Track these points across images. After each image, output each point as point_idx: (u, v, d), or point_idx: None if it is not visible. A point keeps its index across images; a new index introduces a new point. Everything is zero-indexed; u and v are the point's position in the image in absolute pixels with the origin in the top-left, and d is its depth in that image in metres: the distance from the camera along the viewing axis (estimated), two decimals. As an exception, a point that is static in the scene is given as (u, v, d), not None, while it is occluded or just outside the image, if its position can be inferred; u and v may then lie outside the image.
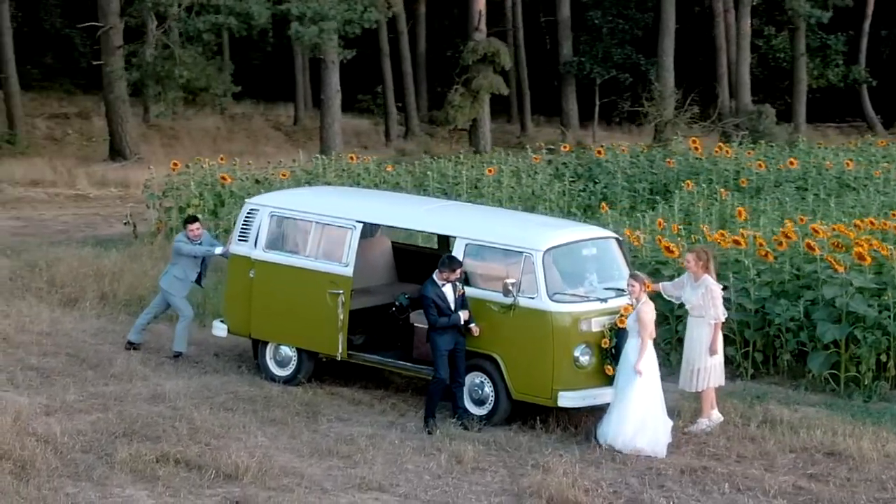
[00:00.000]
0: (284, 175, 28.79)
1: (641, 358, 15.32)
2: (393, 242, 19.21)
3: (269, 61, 62.93)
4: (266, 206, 18.30)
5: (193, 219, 19.62)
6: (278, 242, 18.03)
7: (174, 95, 39.89)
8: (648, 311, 15.47)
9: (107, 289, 23.06)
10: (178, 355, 19.19)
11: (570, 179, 31.88)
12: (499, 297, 16.01)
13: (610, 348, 15.94)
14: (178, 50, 38.41)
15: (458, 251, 16.44)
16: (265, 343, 18.26)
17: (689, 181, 29.22)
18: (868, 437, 15.98)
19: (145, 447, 15.32)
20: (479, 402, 16.49)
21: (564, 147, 35.11)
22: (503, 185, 29.54)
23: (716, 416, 16.30)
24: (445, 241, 17.78)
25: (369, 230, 18.26)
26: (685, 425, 16.33)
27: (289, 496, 13.97)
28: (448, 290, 15.98)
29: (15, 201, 37.40)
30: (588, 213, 28.09)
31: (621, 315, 15.85)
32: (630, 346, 15.52)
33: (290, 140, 54.25)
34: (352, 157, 32.71)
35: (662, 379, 16.26)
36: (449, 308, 15.95)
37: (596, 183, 32.07)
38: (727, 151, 33.63)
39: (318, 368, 18.28)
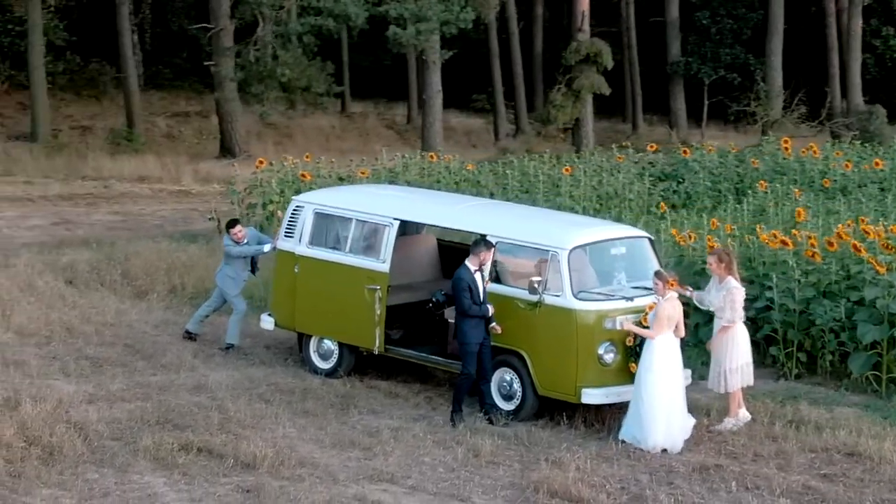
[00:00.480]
0: (364, 173, 28.85)
1: (658, 345, 15.29)
2: (439, 240, 19.26)
3: (388, 61, 63.17)
4: (310, 203, 18.49)
5: (234, 222, 19.89)
6: (320, 239, 18.19)
7: (275, 95, 40.27)
8: (668, 308, 15.35)
9: (177, 282, 23.36)
10: (229, 347, 19.46)
11: (658, 179, 31.69)
12: (526, 294, 16.00)
13: (634, 346, 15.82)
14: (280, 51, 38.71)
15: (508, 251, 16.55)
16: (309, 336, 18.46)
17: (762, 181, 28.63)
18: (892, 438, 15.75)
19: (172, 436, 15.53)
20: (508, 398, 16.51)
21: (650, 147, 34.75)
22: (581, 184, 29.34)
23: (743, 414, 16.15)
24: None
25: (414, 228, 18.41)
26: (710, 424, 16.20)
27: (299, 486, 14.07)
28: (478, 277, 16.03)
29: (119, 196, 37.90)
30: (661, 213, 27.69)
31: (645, 313, 15.72)
32: (648, 344, 15.45)
33: (401, 139, 54.29)
34: (432, 157, 32.57)
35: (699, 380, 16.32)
36: (479, 296, 16.00)
37: (680, 182, 31.73)
38: (815, 151, 32.99)
39: (361, 362, 18.37)
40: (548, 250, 16.01)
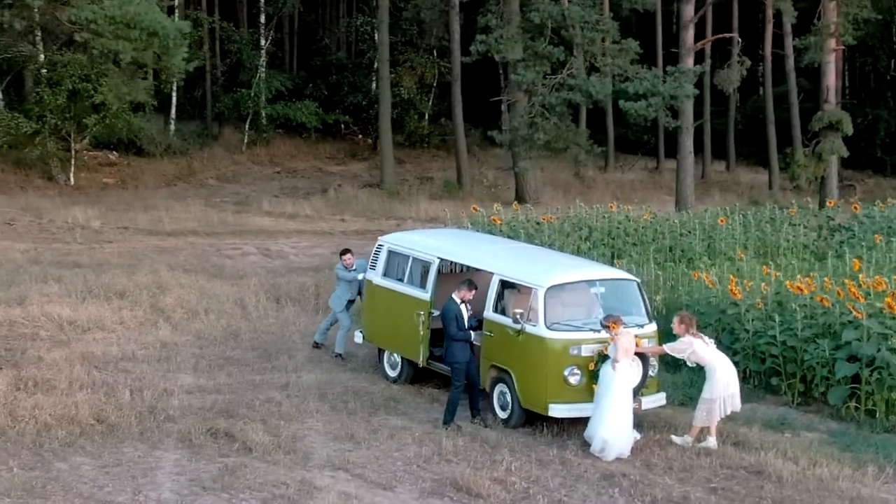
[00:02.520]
0: (547, 219, 28.83)
1: (616, 372, 15.17)
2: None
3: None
4: (386, 242, 19.12)
5: (346, 251, 20.48)
6: (390, 271, 18.76)
7: (536, 154, 40.77)
8: (623, 342, 15.25)
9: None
10: (338, 356, 20.10)
11: (827, 231, 30.38)
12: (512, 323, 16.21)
13: (596, 370, 15.73)
14: (538, 118, 39.24)
15: (494, 284, 16.72)
16: (383, 350, 19.05)
17: (877, 234, 27.06)
18: (808, 460, 14.94)
19: (214, 422, 16.01)
20: (503, 408, 16.60)
21: (829, 202, 33.24)
22: (737, 234, 28.59)
23: (711, 442, 15.63)
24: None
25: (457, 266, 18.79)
26: (666, 435, 15.93)
27: (272, 468, 14.32)
28: (464, 308, 16.33)
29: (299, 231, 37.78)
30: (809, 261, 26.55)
31: (606, 343, 15.66)
32: (603, 368, 15.40)
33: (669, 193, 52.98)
34: (626, 207, 31.87)
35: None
36: (464, 324, 16.28)
37: (840, 233, 30.22)
38: None
39: (420, 372, 18.48)
40: (530, 287, 16.15)
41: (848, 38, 45.63)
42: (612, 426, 15.14)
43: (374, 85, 57.76)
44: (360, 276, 19.90)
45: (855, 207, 31.85)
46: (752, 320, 18.67)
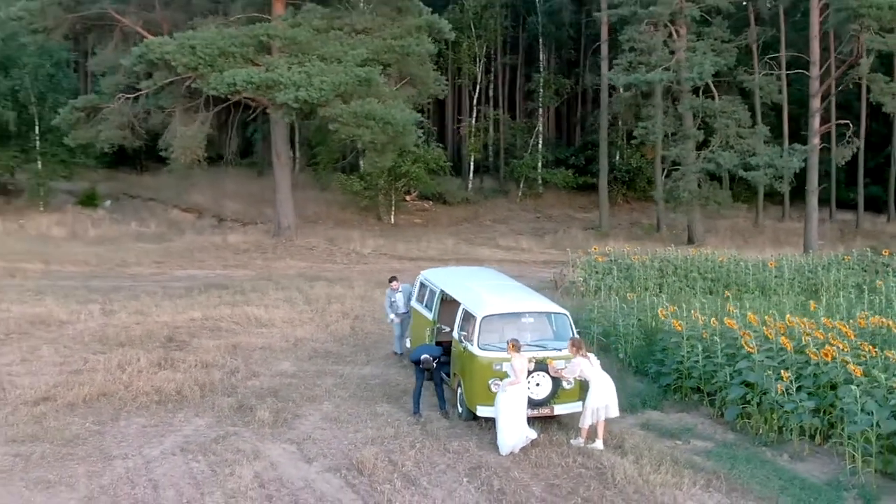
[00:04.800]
0: (636, 257, 26.23)
1: (509, 386, 13.27)
2: None
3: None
4: (422, 276, 17.70)
5: (393, 278, 18.66)
6: (420, 297, 17.37)
7: (685, 208, 37.47)
8: (516, 363, 13.33)
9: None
10: (398, 353, 18.54)
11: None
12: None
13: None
14: (681, 182, 36.04)
15: (459, 311, 15.03)
16: (418, 354, 17.58)
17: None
18: (653, 466, 12.40)
19: (253, 399, 14.92)
20: (460, 405, 14.84)
21: (885, 252, 28.33)
22: (785, 278, 24.84)
23: (598, 444, 13.44)
24: None
25: None
26: (572, 438, 13.70)
27: (250, 439, 13.23)
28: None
29: (502, 260, 35.19)
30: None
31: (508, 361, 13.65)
32: (504, 382, 13.48)
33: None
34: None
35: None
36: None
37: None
38: None
39: None
40: (472, 315, 14.43)
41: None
42: (505, 429, 13.22)
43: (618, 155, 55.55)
44: (395, 298, 18.31)
45: (886, 252, 27.01)
46: (689, 347, 15.91)
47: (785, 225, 51.25)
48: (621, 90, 44.40)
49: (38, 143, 45.19)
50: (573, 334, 14.15)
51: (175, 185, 49.26)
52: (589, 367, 13.48)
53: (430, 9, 37.24)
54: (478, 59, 56.32)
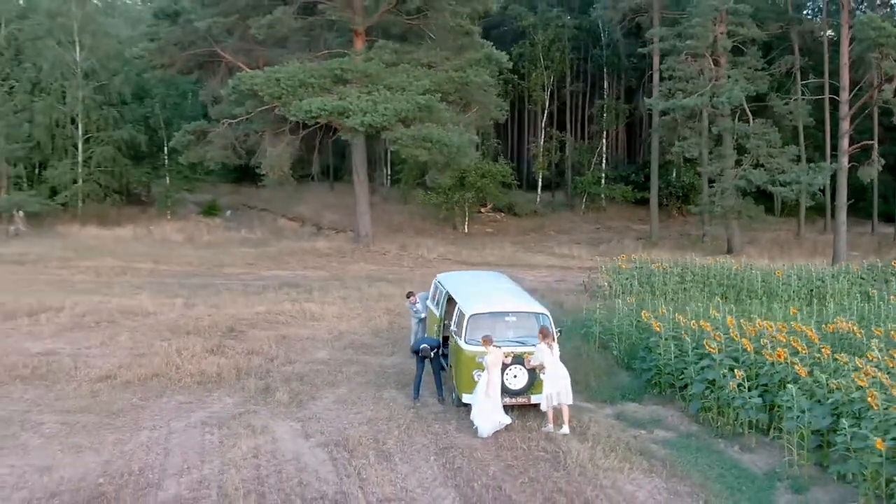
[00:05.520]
0: (658, 265, 25.48)
1: (484, 379, 13.23)
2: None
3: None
4: (436, 279, 17.70)
5: (410, 294, 18.00)
6: (433, 298, 17.34)
7: (719, 220, 36.29)
8: (491, 358, 13.28)
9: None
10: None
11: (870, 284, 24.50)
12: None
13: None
14: (716, 197, 34.86)
15: (456, 310, 15.02)
16: (433, 348, 17.56)
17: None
18: (604, 453, 12.11)
19: (279, 382, 15.00)
20: (452, 392, 14.84)
21: (894, 262, 26.68)
22: (792, 286, 23.78)
23: (564, 429, 13.25)
24: None
25: None
26: (542, 425, 13.47)
27: (264, 416, 13.33)
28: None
29: (552, 265, 34.18)
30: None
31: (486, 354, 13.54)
32: (483, 375, 13.42)
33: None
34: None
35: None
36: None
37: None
38: None
39: None
40: (463, 313, 14.42)
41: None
42: (480, 415, 13.17)
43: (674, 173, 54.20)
44: (416, 309, 17.86)
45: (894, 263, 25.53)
46: (665, 347, 15.47)
47: (825, 237, 48.78)
48: (659, 115, 43.35)
49: (166, 161, 47.27)
50: (549, 327, 13.94)
51: (286, 197, 50.52)
52: (549, 354, 13.29)
53: (492, 43, 37.20)
54: (545, 88, 55.99)
